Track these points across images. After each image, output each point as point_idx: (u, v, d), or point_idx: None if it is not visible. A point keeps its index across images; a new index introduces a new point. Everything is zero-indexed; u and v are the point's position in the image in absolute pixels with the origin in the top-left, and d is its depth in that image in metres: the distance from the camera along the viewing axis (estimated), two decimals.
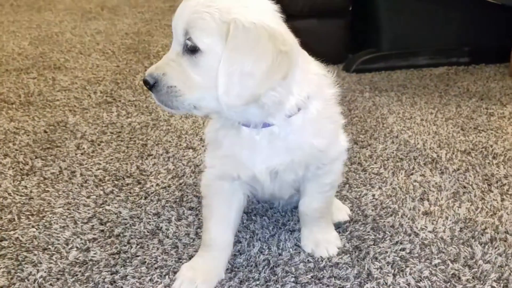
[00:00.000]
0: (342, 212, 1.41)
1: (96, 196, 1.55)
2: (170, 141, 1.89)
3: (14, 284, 1.20)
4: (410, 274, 1.21)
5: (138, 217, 1.45)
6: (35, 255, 1.29)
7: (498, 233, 1.35)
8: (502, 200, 1.50)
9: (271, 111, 1.05)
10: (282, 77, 0.99)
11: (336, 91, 1.17)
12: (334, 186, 1.28)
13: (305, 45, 3.01)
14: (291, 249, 1.30)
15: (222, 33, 0.96)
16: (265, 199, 1.41)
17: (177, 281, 1.19)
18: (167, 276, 1.22)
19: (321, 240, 1.29)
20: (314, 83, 1.10)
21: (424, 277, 1.20)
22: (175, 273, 1.22)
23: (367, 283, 1.18)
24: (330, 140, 1.16)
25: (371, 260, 1.25)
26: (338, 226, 1.38)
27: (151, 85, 1.03)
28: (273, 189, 1.20)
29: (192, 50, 0.99)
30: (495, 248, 1.29)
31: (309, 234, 1.31)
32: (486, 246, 1.29)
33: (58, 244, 1.33)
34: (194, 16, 0.98)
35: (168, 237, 1.36)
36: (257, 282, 1.19)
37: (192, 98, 1.02)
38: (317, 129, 1.12)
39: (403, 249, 1.29)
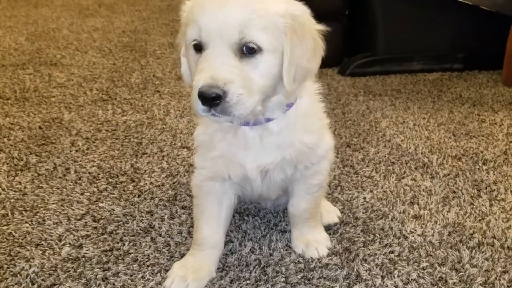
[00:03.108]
0: (332, 214, 1.43)
1: (90, 193, 1.56)
2: (165, 140, 1.90)
3: (6, 279, 1.20)
4: (398, 276, 1.23)
5: (131, 215, 1.46)
6: (27, 250, 1.30)
7: (485, 238, 1.37)
8: (491, 205, 1.52)
9: (278, 103, 1.08)
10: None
11: (318, 86, 1.20)
12: (322, 186, 1.29)
13: None
14: (282, 250, 1.32)
15: (279, 29, 0.98)
16: (254, 199, 1.42)
17: (168, 279, 1.21)
18: (159, 274, 1.23)
19: (311, 241, 1.31)
20: None
21: (411, 279, 1.22)
22: (167, 271, 1.23)
23: (356, 285, 1.20)
24: (318, 137, 1.18)
25: (361, 261, 1.27)
26: (328, 228, 1.39)
27: (220, 98, 0.93)
28: (262, 189, 1.22)
29: (250, 51, 0.96)
30: (482, 252, 1.31)
31: (299, 235, 1.32)
32: (474, 251, 1.32)
33: (51, 240, 1.34)
34: (251, 16, 0.95)
35: (160, 235, 1.37)
36: (248, 282, 1.21)
37: (253, 102, 0.97)
38: (306, 125, 1.15)
39: (392, 252, 1.31)
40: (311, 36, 1.03)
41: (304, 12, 1.03)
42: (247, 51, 0.96)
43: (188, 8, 1.04)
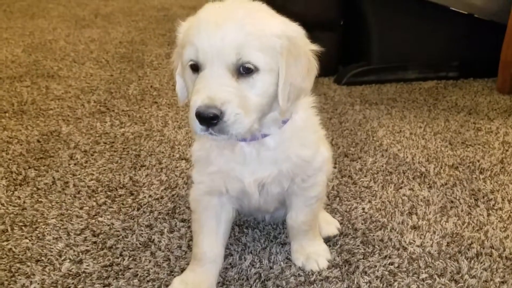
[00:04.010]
0: (332, 226, 1.44)
1: (89, 207, 1.56)
2: (163, 152, 1.91)
3: None
4: None
5: (130, 229, 1.46)
6: (28, 266, 1.30)
7: (484, 248, 1.38)
8: (488, 215, 1.53)
9: (273, 119, 1.09)
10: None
11: (313, 99, 1.21)
12: (319, 198, 1.30)
13: None
14: (282, 263, 1.32)
15: (275, 49, 1.00)
16: (252, 212, 1.43)
17: None
18: None
19: (311, 253, 1.32)
20: None
21: None
22: (167, 286, 1.23)
23: None
24: (314, 150, 1.20)
25: (361, 274, 1.28)
26: (328, 240, 1.40)
27: (217, 118, 0.95)
28: (259, 202, 1.23)
29: (247, 71, 0.98)
30: (481, 263, 1.32)
31: (298, 247, 1.33)
32: (472, 261, 1.33)
33: (51, 255, 1.34)
34: (248, 37, 0.96)
35: (160, 250, 1.37)
36: None
37: (250, 121, 0.99)
38: (302, 139, 1.16)
39: (392, 263, 1.32)
40: (306, 57, 1.05)
41: (299, 33, 1.05)
42: (244, 71, 0.98)
43: (184, 29, 1.06)
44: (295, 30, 1.05)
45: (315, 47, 1.08)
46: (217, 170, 1.17)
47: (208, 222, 1.24)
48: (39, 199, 1.59)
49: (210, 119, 0.94)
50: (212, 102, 0.94)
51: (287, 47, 1.00)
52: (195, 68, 1.01)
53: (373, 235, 1.43)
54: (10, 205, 1.56)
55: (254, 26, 0.98)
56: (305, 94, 1.11)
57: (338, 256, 1.34)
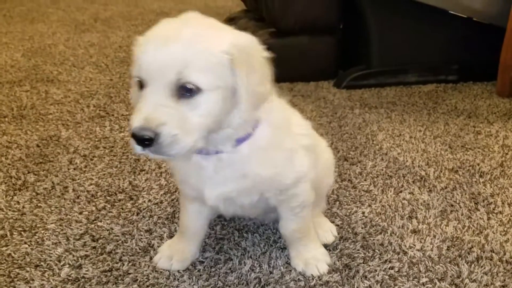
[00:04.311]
0: (328, 234, 1.43)
1: (88, 212, 1.55)
2: None
3: None
4: None
5: (130, 234, 1.46)
6: (27, 271, 1.29)
7: (484, 252, 1.37)
8: (488, 218, 1.53)
9: (227, 136, 1.06)
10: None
11: (286, 115, 1.18)
12: (305, 206, 1.26)
13: (296, 61, 3.07)
14: (282, 267, 1.32)
15: (224, 66, 0.97)
16: (231, 216, 1.44)
17: (158, 255, 1.35)
18: None
19: (310, 259, 1.31)
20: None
21: None
22: None
23: None
24: (280, 169, 1.15)
25: (361, 278, 1.27)
26: (325, 247, 1.39)
27: (152, 140, 0.93)
28: (234, 211, 1.23)
29: (188, 91, 0.95)
30: (481, 266, 1.32)
31: (296, 254, 1.33)
32: (473, 265, 1.32)
33: (51, 260, 1.34)
34: (192, 57, 0.94)
35: None
36: None
37: (190, 142, 0.96)
38: (264, 158, 1.11)
39: (392, 268, 1.31)
40: (260, 64, 1.04)
41: (251, 42, 1.04)
42: (185, 91, 0.95)
43: (138, 43, 1.02)
44: (247, 40, 1.03)
45: (268, 53, 1.07)
46: (182, 180, 1.19)
47: (191, 204, 1.29)
48: (39, 204, 1.59)
49: (144, 141, 0.93)
50: (147, 124, 0.92)
51: (239, 58, 0.98)
52: (141, 85, 0.98)
53: (373, 239, 1.43)
54: (9, 210, 1.56)
55: (201, 45, 0.96)
56: (265, 100, 1.07)
57: (338, 261, 1.34)
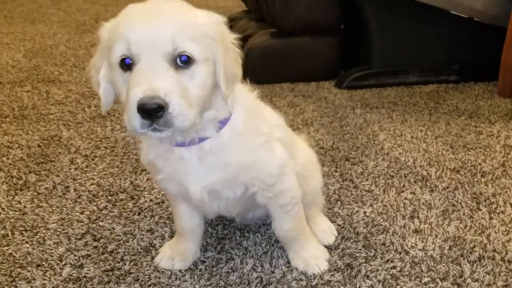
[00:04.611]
0: (328, 234, 1.42)
1: (90, 212, 1.55)
2: None
3: None
4: None
5: (131, 234, 1.46)
6: (28, 271, 1.29)
7: (486, 252, 1.37)
8: (490, 218, 1.53)
9: (211, 119, 1.06)
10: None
11: (254, 98, 1.17)
12: (296, 203, 1.25)
13: (297, 61, 3.06)
14: (283, 267, 1.32)
15: (208, 36, 0.98)
16: (214, 216, 1.40)
17: (159, 255, 1.34)
18: None
19: (309, 257, 1.31)
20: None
21: None
22: None
23: None
24: (259, 155, 1.13)
25: (363, 278, 1.27)
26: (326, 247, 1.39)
27: (162, 109, 0.89)
28: (218, 207, 1.20)
29: (184, 62, 0.94)
30: (483, 266, 1.31)
31: (294, 254, 1.32)
32: (475, 265, 1.32)
33: (52, 260, 1.34)
34: (181, 27, 0.94)
35: None
36: None
37: (193, 114, 0.94)
38: (244, 143, 1.11)
39: (394, 267, 1.31)
40: (232, 45, 1.05)
41: (223, 22, 1.04)
42: (182, 62, 0.94)
43: (109, 28, 1.00)
44: (220, 20, 1.03)
45: (236, 35, 1.07)
46: (166, 177, 1.15)
47: (179, 206, 1.29)
48: (40, 204, 1.59)
49: (155, 111, 0.88)
50: (155, 93, 0.88)
51: (219, 33, 1.00)
52: (127, 66, 0.95)
53: (375, 239, 1.43)
54: (11, 209, 1.56)
55: (185, 17, 0.96)
56: (237, 81, 1.07)
57: (340, 260, 1.34)
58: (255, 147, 1.12)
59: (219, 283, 1.26)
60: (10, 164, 1.83)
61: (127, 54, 0.94)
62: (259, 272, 1.30)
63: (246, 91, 1.17)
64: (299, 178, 1.27)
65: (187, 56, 0.94)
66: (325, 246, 1.38)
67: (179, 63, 0.94)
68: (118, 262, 1.33)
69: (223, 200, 1.18)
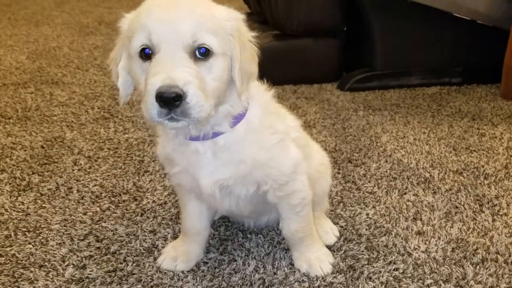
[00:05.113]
0: (329, 235, 1.42)
1: (93, 213, 1.56)
2: None
3: None
4: None
5: (134, 234, 1.46)
6: (31, 272, 1.30)
7: (489, 254, 1.37)
8: (493, 220, 1.52)
9: (225, 114, 1.07)
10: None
11: (270, 97, 1.18)
12: (306, 204, 1.25)
13: (300, 63, 3.06)
14: (286, 268, 1.32)
15: (227, 32, 1.00)
16: (225, 214, 1.43)
17: (162, 256, 1.34)
18: None
19: (313, 259, 1.31)
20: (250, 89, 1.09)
21: None
22: None
23: None
24: (273, 153, 1.13)
25: (365, 280, 1.27)
26: (327, 248, 1.39)
27: (181, 98, 0.90)
28: (229, 205, 1.21)
29: (203, 54, 0.96)
30: (486, 268, 1.31)
31: (299, 255, 1.32)
32: (478, 267, 1.32)
33: (55, 261, 1.34)
34: (201, 19, 0.95)
35: None
36: None
37: (209, 105, 0.96)
38: (259, 140, 1.11)
39: (397, 269, 1.31)
40: (250, 42, 1.07)
41: (242, 19, 1.06)
42: (200, 54, 0.95)
43: (130, 19, 1.02)
44: (239, 17, 1.05)
45: (254, 34, 1.09)
46: (181, 170, 1.15)
47: (189, 204, 1.28)
48: (43, 205, 1.59)
49: (173, 100, 0.90)
50: (174, 82, 0.90)
51: (237, 29, 1.01)
52: (146, 56, 0.96)
53: (378, 241, 1.42)
54: (14, 210, 1.56)
55: (205, 10, 0.98)
56: (253, 79, 1.09)
57: (342, 262, 1.34)
58: (270, 145, 1.13)
59: (222, 284, 1.26)
60: (14, 165, 1.84)
61: (147, 44, 0.95)
62: (262, 273, 1.30)
63: (262, 90, 1.18)
64: (310, 180, 1.27)
65: (206, 48, 0.96)
66: (326, 246, 1.38)
67: (198, 55, 0.96)
68: (121, 263, 1.33)
69: (235, 197, 1.18)
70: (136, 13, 1.01)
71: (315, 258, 1.31)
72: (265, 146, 1.12)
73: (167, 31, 0.93)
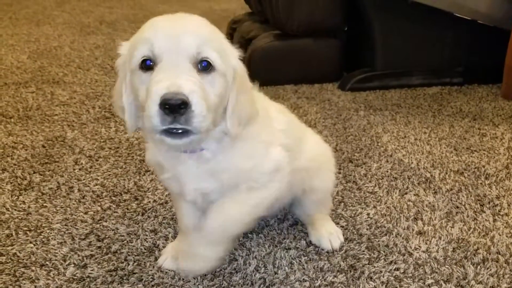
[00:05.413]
0: (334, 237, 1.41)
1: (94, 212, 1.56)
2: None
3: None
4: None
5: (135, 234, 1.46)
6: (32, 271, 1.30)
7: (490, 254, 1.37)
8: (494, 220, 1.52)
9: (215, 137, 1.06)
10: None
11: (265, 109, 1.16)
12: (252, 188, 1.16)
13: (301, 63, 3.06)
14: (286, 268, 1.32)
15: (228, 56, 1.01)
16: None
17: (162, 256, 1.34)
18: None
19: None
20: None
21: None
22: None
23: None
24: (257, 159, 1.13)
25: (366, 279, 1.27)
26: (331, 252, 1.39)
27: (186, 106, 0.89)
28: (209, 206, 1.19)
29: (206, 69, 0.95)
30: (487, 268, 1.31)
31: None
32: (478, 267, 1.32)
33: (56, 260, 1.34)
34: (206, 35, 0.96)
35: None
36: None
37: (210, 118, 0.94)
38: (244, 150, 1.10)
39: (397, 269, 1.31)
40: (249, 87, 1.08)
41: (244, 67, 1.07)
42: (202, 68, 0.95)
43: (129, 44, 1.02)
44: (241, 55, 1.06)
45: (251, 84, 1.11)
46: (170, 176, 1.15)
47: (182, 203, 1.27)
48: (44, 204, 1.59)
49: (179, 107, 0.87)
50: (180, 89, 0.88)
51: (240, 70, 1.03)
52: (147, 67, 0.95)
53: (378, 241, 1.42)
54: (15, 209, 1.56)
55: (212, 30, 1.00)
56: (254, 120, 1.09)
57: (343, 262, 1.34)
58: (254, 153, 1.12)
59: (222, 284, 1.26)
60: (15, 165, 1.84)
61: (149, 55, 0.94)
62: (262, 273, 1.30)
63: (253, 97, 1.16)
64: (304, 172, 1.27)
65: (208, 62, 0.95)
66: (330, 251, 1.38)
67: (200, 68, 0.95)
68: (122, 262, 1.34)
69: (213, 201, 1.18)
70: (136, 35, 1.01)
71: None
72: (249, 155, 1.12)
73: (170, 42, 0.93)
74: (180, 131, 0.91)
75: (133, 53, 0.97)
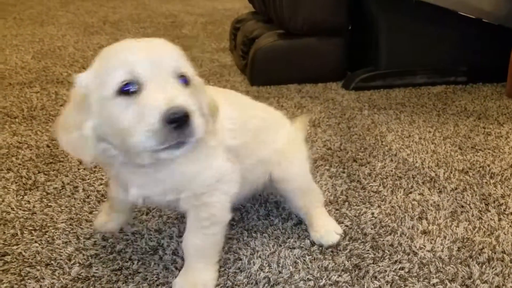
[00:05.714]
0: (331, 233, 1.41)
1: (99, 212, 1.56)
2: None
3: None
4: None
5: (139, 233, 1.46)
6: (38, 270, 1.30)
7: (495, 253, 1.36)
8: (499, 220, 1.52)
9: None
10: None
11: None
12: (215, 222, 1.17)
13: (305, 62, 3.07)
14: (291, 267, 1.32)
15: (191, 71, 1.03)
16: None
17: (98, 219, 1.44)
18: None
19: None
20: None
21: None
22: None
23: None
24: (202, 165, 1.11)
25: (371, 279, 1.27)
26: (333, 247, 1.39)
27: (188, 118, 0.89)
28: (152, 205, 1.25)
29: (185, 83, 0.97)
30: (493, 268, 1.31)
31: (178, 279, 1.24)
32: (484, 266, 1.31)
33: (61, 259, 1.34)
34: (177, 52, 1.01)
35: (169, 254, 1.37)
36: None
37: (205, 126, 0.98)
38: (189, 156, 1.05)
39: (402, 268, 1.30)
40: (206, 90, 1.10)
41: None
42: (183, 82, 0.96)
43: (93, 73, 0.99)
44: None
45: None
46: (113, 175, 1.17)
47: (118, 187, 1.29)
48: (49, 204, 1.60)
49: (183, 120, 0.87)
50: (180, 103, 0.88)
51: (198, 79, 1.06)
52: (128, 93, 0.92)
53: (383, 240, 1.42)
54: (20, 209, 1.57)
55: (175, 46, 1.02)
56: (217, 116, 1.11)
57: (347, 261, 1.34)
58: (199, 158, 1.10)
59: (227, 283, 1.26)
60: (20, 164, 1.85)
61: (130, 79, 0.92)
62: (267, 272, 1.30)
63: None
64: (269, 164, 1.31)
65: (186, 77, 0.98)
66: (330, 246, 1.38)
67: (180, 83, 0.97)
68: (127, 262, 1.34)
69: (155, 203, 1.22)
70: (99, 64, 0.99)
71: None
72: (194, 158, 1.09)
73: (153, 61, 0.93)
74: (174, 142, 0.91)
75: (105, 80, 0.94)
